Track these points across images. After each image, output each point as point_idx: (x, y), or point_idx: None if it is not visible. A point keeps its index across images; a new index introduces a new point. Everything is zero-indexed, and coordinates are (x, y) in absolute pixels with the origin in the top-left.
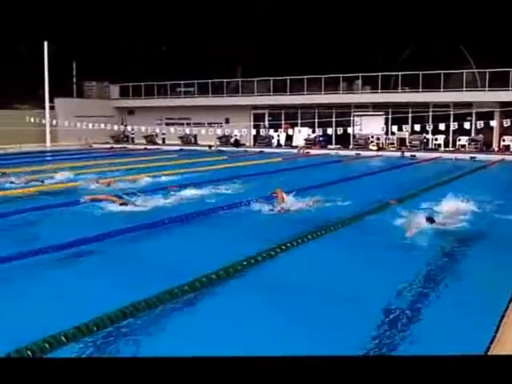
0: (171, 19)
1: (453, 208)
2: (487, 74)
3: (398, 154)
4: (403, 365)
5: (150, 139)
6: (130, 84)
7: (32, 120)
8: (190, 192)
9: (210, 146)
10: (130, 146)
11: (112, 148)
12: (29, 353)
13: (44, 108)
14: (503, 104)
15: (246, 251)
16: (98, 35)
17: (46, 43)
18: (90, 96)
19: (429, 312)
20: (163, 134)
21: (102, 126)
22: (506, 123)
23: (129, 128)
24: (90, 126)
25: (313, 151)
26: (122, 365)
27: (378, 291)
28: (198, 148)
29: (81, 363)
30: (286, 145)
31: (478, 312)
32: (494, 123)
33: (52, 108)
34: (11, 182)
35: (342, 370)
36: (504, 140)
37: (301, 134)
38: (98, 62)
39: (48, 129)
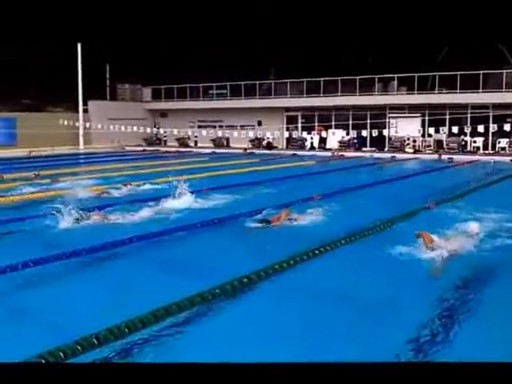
0: (205, 21)
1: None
2: None
3: (435, 156)
4: (408, 371)
5: (183, 142)
6: (163, 86)
7: (65, 123)
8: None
9: (245, 149)
10: (162, 149)
11: (144, 150)
12: (61, 354)
13: (77, 111)
14: None
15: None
16: (132, 38)
17: (79, 46)
18: (123, 98)
19: None
20: (195, 136)
21: (135, 128)
22: None
23: (161, 130)
24: (123, 128)
25: (347, 154)
26: (131, 371)
27: None
28: (231, 151)
29: (89, 369)
30: (319, 147)
31: None
32: None
33: (85, 111)
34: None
35: (345, 376)
36: None
37: (334, 137)
38: (131, 64)
39: (81, 131)
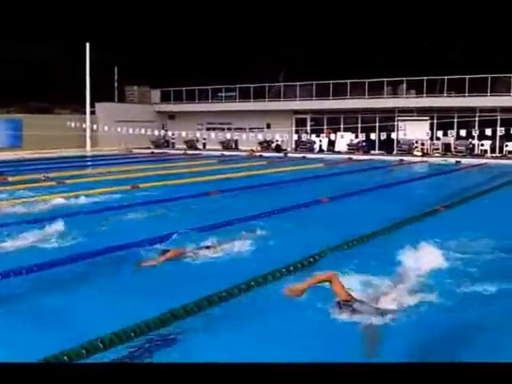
0: (215, 24)
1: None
2: None
3: (447, 160)
4: (407, 372)
5: (191, 144)
6: (171, 89)
7: (73, 125)
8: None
9: (251, 152)
10: (171, 151)
11: (153, 153)
12: (65, 358)
13: (85, 113)
14: None
15: None
16: (140, 40)
17: (87, 48)
18: (131, 101)
19: None
20: (204, 139)
21: (143, 130)
22: None
23: (169, 133)
24: (131, 130)
25: (355, 157)
26: (134, 370)
27: None
28: (239, 153)
29: (91, 369)
30: (328, 150)
31: None
32: None
33: (93, 113)
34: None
35: (345, 376)
36: None
37: (343, 139)
38: (139, 66)
39: (88, 133)
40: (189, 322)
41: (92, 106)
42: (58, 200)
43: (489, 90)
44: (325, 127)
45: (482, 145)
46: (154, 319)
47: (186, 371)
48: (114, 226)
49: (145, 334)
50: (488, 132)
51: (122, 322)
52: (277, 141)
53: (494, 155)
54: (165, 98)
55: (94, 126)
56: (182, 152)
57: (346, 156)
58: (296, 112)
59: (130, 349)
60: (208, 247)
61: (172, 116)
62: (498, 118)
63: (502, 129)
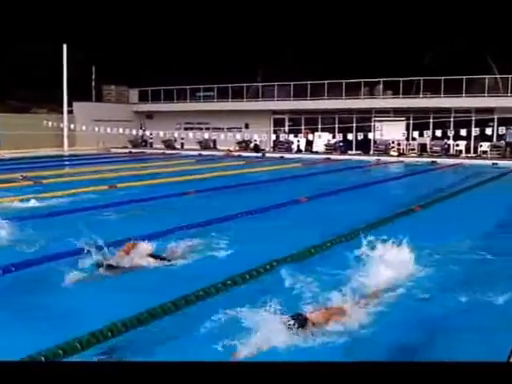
0: (191, 22)
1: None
2: (509, 80)
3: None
4: (408, 371)
5: (169, 144)
6: (149, 88)
7: (50, 124)
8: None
9: (228, 151)
10: (149, 151)
11: (130, 153)
12: (42, 359)
13: (62, 112)
14: None
15: None
16: (118, 39)
17: (65, 47)
18: (108, 100)
19: None
20: (182, 138)
21: (121, 130)
22: None
23: (147, 132)
24: (109, 130)
25: (333, 157)
26: (126, 369)
27: None
28: (217, 153)
29: (83, 367)
30: (306, 150)
31: None
32: None
33: (70, 112)
34: None
35: (345, 376)
36: None
37: (321, 140)
38: (117, 66)
39: (66, 133)
40: (166, 321)
41: (70, 105)
42: (32, 200)
43: (464, 91)
44: (303, 127)
45: (457, 145)
46: (131, 318)
47: (184, 370)
48: (84, 227)
49: (122, 333)
50: (463, 132)
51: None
52: (255, 141)
53: (468, 155)
54: (143, 98)
55: (72, 126)
56: (161, 152)
57: (324, 156)
58: (274, 112)
59: (108, 348)
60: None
61: (150, 115)
62: (473, 118)
63: (477, 129)
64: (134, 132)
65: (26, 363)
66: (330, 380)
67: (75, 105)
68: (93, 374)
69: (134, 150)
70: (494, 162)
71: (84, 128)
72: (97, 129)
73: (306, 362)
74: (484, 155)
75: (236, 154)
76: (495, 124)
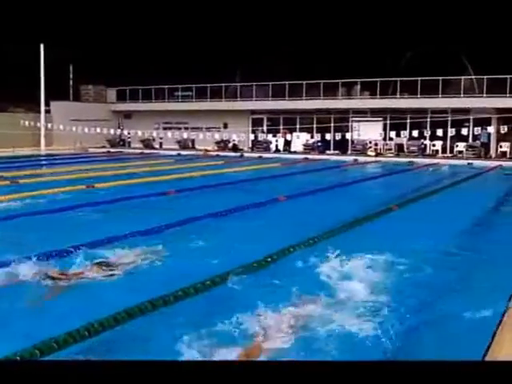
0: (169, 22)
1: None
2: (485, 81)
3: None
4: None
5: (147, 143)
6: (127, 88)
7: (27, 123)
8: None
9: (205, 151)
10: (126, 150)
11: (108, 152)
12: (18, 359)
13: (40, 111)
14: (500, 110)
15: None
16: (96, 39)
17: (42, 46)
18: (86, 100)
19: None
20: (160, 138)
21: (98, 129)
22: (503, 129)
23: (125, 132)
24: (86, 129)
25: (311, 156)
26: (121, 368)
27: None
28: (196, 152)
29: (76, 366)
30: (284, 150)
31: None
32: (491, 129)
33: (48, 111)
34: None
35: (344, 375)
36: (501, 146)
37: (299, 140)
38: (94, 65)
39: (43, 132)
40: (143, 320)
41: (47, 104)
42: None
43: (440, 92)
44: (281, 127)
45: (434, 145)
46: (107, 318)
47: (182, 370)
48: (60, 227)
49: (99, 332)
50: (439, 133)
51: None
52: (233, 140)
53: (445, 155)
54: (121, 97)
55: (49, 125)
56: (139, 151)
57: (302, 156)
58: (253, 112)
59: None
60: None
61: (128, 115)
62: (449, 119)
63: (453, 129)
64: (112, 131)
65: (17, 362)
66: (330, 380)
67: (53, 104)
68: (87, 374)
69: (112, 150)
70: (470, 161)
71: (61, 127)
72: (74, 128)
73: (305, 361)
74: (460, 155)
75: (214, 153)
76: (471, 124)
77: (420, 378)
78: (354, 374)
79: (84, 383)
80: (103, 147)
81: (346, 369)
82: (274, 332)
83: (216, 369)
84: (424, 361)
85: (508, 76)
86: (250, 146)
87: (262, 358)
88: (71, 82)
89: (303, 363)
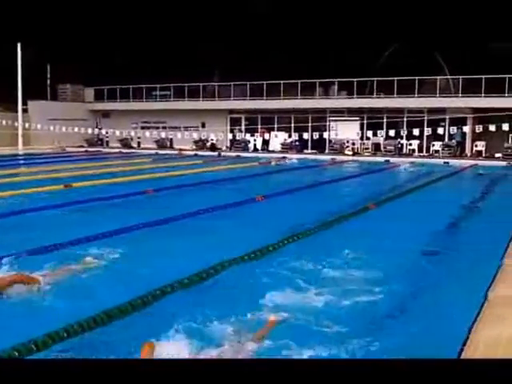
0: (146, 21)
1: None
2: (460, 81)
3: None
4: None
5: (125, 143)
6: (105, 87)
7: (4, 123)
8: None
9: (179, 150)
10: (105, 150)
11: (86, 151)
12: None
13: (17, 111)
14: (476, 110)
15: None
16: (74, 38)
17: (19, 46)
18: (64, 99)
19: None
20: (138, 137)
21: (76, 129)
22: (479, 129)
23: (103, 131)
24: (64, 129)
25: (289, 156)
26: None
27: None
28: (174, 152)
29: (69, 365)
30: (262, 149)
31: None
32: (466, 129)
33: (25, 111)
34: None
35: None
36: (476, 145)
37: (277, 139)
38: (72, 65)
39: (20, 132)
40: (124, 321)
41: (24, 104)
42: None
43: (416, 92)
44: (259, 127)
45: (410, 144)
46: (87, 319)
47: (180, 368)
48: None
49: (78, 334)
50: (416, 132)
51: None
52: (212, 140)
53: (421, 154)
54: (98, 97)
55: (27, 125)
56: (117, 151)
57: (280, 155)
58: (231, 111)
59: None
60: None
61: (106, 114)
62: (425, 118)
63: (429, 129)
64: (90, 131)
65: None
66: (326, 378)
67: (30, 104)
68: (82, 372)
69: (90, 149)
70: (446, 160)
71: (39, 127)
72: (52, 128)
73: (303, 360)
74: (436, 154)
75: (192, 153)
76: (447, 124)
77: (417, 376)
78: (350, 373)
79: (79, 382)
80: (81, 147)
81: (343, 367)
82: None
83: (214, 367)
84: (421, 359)
85: (483, 76)
86: (229, 145)
87: None
88: (49, 82)
89: (300, 361)
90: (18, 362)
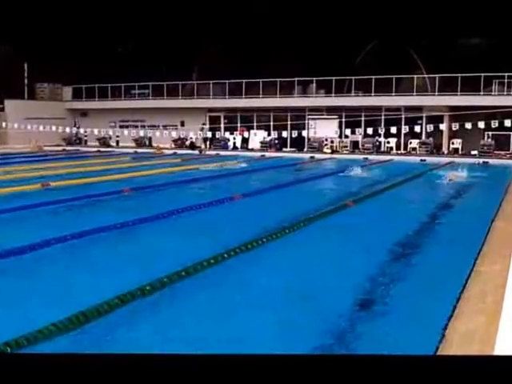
0: (124, 19)
1: None
2: (437, 79)
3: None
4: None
5: (104, 141)
6: (83, 86)
7: None
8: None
9: (157, 148)
10: (83, 149)
11: (64, 150)
12: None
13: None
14: (452, 108)
15: None
16: (51, 36)
17: None
18: (41, 98)
19: None
20: (117, 136)
21: (54, 128)
22: (455, 127)
23: (81, 130)
24: (41, 128)
25: (268, 154)
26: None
27: None
28: (152, 150)
29: (68, 359)
30: (241, 147)
31: None
32: (443, 127)
33: (2, 110)
34: None
35: (334, 368)
36: (453, 143)
37: (256, 137)
38: (50, 63)
39: None
40: (111, 318)
41: (1, 103)
42: None
43: (393, 91)
44: (238, 125)
45: (388, 142)
46: (76, 315)
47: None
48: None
49: (69, 330)
50: (393, 130)
51: None
52: (191, 138)
53: (399, 152)
54: (77, 95)
55: (4, 124)
56: (95, 149)
57: (259, 153)
58: (210, 110)
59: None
60: None
61: (84, 113)
62: (403, 116)
63: (406, 127)
64: (68, 130)
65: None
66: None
67: (7, 102)
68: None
69: (68, 148)
70: (423, 158)
71: (16, 126)
72: (29, 127)
73: (301, 355)
74: (413, 152)
75: (171, 151)
76: (424, 122)
77: (413, 373)
78: (345, 368)
79: (76, 376)
80: (59, 146)
81: (338, 363)
82: None
83: (211, 362)
84: (418, 356)
85: (459, 75)
86: (208, 143)
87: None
88: (26, 81)
89: (298, 357)
90: (15, 356)
